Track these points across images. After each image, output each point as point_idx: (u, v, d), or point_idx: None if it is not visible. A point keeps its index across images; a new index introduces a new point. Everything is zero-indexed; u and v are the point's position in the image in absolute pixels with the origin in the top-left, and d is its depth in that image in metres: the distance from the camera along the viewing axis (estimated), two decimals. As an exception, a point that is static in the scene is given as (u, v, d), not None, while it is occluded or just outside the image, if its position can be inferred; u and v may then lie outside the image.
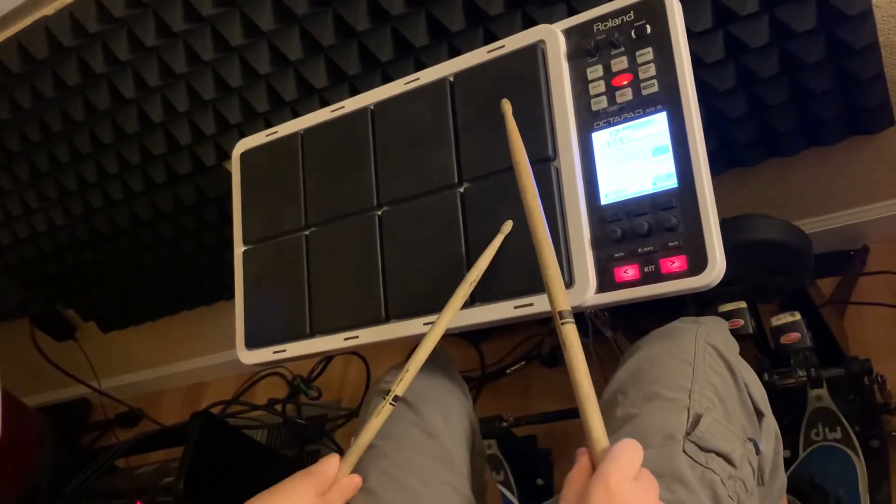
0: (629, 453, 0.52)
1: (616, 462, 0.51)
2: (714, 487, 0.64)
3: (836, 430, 1.08)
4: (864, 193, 1.26)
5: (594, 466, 0.54)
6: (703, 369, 0.72)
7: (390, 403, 0.70)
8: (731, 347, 0.78)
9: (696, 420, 0.67)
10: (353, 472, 0.72)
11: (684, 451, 0.65)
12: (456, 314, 0.74)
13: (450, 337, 1.18)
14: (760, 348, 1.17)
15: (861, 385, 1.08)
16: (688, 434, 0.66)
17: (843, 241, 1.32)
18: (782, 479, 0.80)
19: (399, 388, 0.71)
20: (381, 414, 0.71)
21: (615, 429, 0.70)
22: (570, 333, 0.60)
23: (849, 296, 1.29)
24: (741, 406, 0.73)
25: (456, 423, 0.84)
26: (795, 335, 1.07)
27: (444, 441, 0.80)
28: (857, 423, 1.08)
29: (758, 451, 0.71)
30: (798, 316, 1.08)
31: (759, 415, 0.75)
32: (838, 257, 1.32)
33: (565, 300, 0.61)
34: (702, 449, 0.65)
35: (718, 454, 0.66)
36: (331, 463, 0.69)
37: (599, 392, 0.76)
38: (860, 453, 1.05)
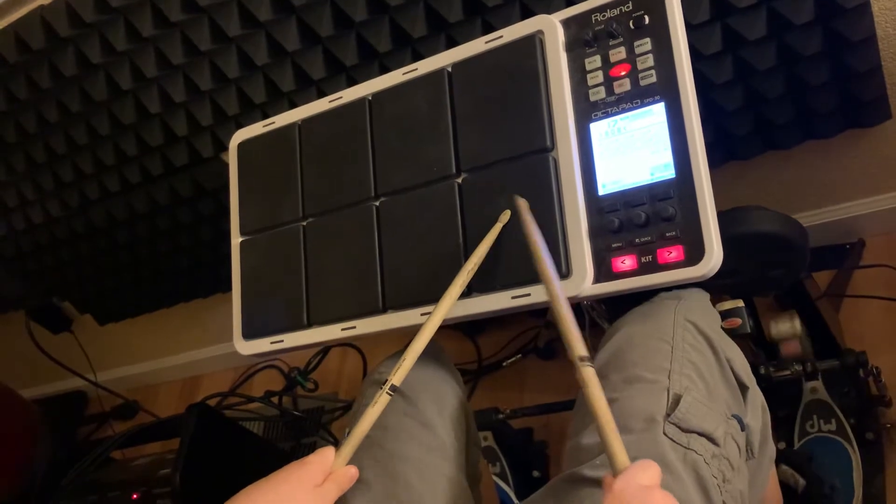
0: (640, 467, 0.53)
1: (626, 475, 0.53)
2: (697, 468, 0.64)
3: (832, 422, 1.08)
4: (860, 187, 1.27)
5: None
6: (683, 347, 0.71)
7: (387, 393, 0.70)
8: (712, 322, 0.78)
9: (676, 401, 0.66)
10: (349, 463, 0.72)
11: (665, 434, 0.64)
12: (454, 303, 0.74)
13: (446, 329, 1.17)
14: (755, 341, 1.17)
15: (856, 377, 1.08)
16: (668, 416, 0.65)
17: (839, 234, 1.32)
18: (771, 448, 0.79)
19: (396, 378, 0.71)
20: (377, 404, 0.70)
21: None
22: (591, 375, 0.59)
23: (844, 289, 1.29)
24: (724, 382, 0.72)
25: (450, 413, 0.84)
26: (795, 344, 1.07)
27: (439, 431, 0.80)
28: (852, 415, 1.09)
29: (743, 428, 0.70)
30: (798, 328, 1.07)
31: (744, 388, 0.75)
32: (834, 251, 1.33)
33: (583, 347, 0.61)
34: (683, 430, 0.65)
35: (700, 434, 0.65)
36: (326, 454, 0.69)
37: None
38: (855, 445, 1.06)
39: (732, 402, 0.72)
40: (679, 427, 0.65)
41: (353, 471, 0.70)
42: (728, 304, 1.06)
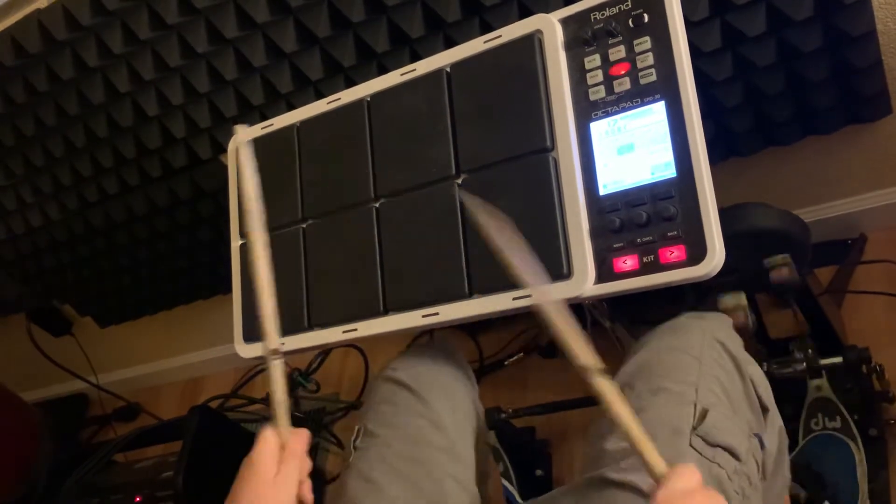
0: (682, 476, 0.53)
1: (669, 489, 0.52)
2: (720, 482, 0.64)
3: (836, 419, 1.08)
4: (861, 182, 1.26)
5: None
6: (710, 364, 0.72)
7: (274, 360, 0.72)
8: (736, 343, 0.78)
9: (703, 415, 0.67)
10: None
11: (691, 446, 0.65)
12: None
13: (448, 327, 1.16)
14: (759, 339, 1.17)
15: (859, 374, 1.08)
16: (694, 428, 0.66)
17: (840, 230, 1.32)
18: (785, 476, 0.79)
19: (271, 342, 0.72)
20: (274, 370, 0.72)
21: None
22: (609, 388, 0.59)
23: (846, 285, 1.29)
24: (746, 401, 0.73)
25: (462, 413, 0.84)
26: (784, 270, 1.05)
27: (451, 432, 0.80)
28: (855, 411, 1.08)
29: (762, 447, 0.70)
30: (789, 259, 1.06)
31: (764, 410, 0.75)
32: (836, 246, 1.32)
33: (593, 357, 0.59)
34: (708, 443, 0.65)
35: (725, 449, 0.66)
36: (267, 441, 0.69)
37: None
38: (858, 442, 1.06)
39: (754, 421, 0.72)
40: (705, 440, 0.65)
41: (301, 437, 0.70)
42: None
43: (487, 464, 0.90)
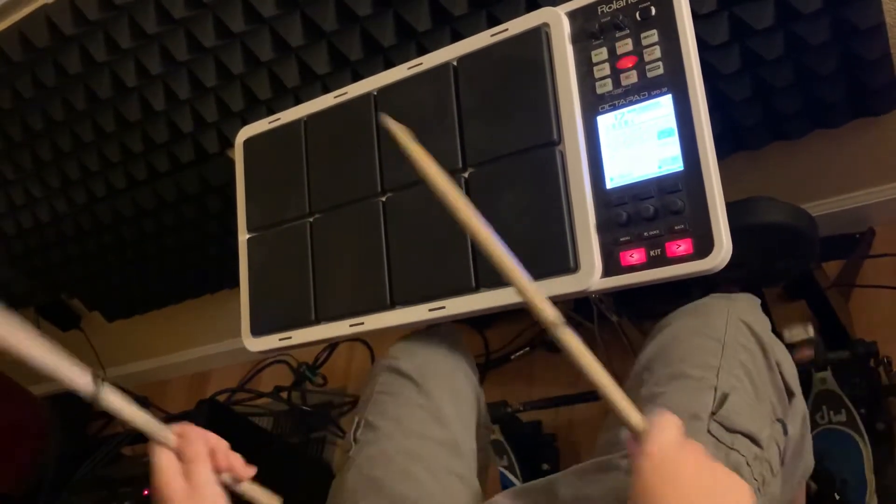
0: (663, 425, 0.52)
1: (654, 436, 0.52)
2: (738, 469, 0.62)
3: (841, 413, 1.08)
4: (869, 176, 1.26)
5: None
6: (734, 346, 0.70)
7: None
8: (764, 325, 0.76)
9: (723, 399, 0.65)
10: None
11: (709, 432, 0.64)
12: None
13: (454, 323, 1.16)
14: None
15: (866, 368, 1.08)
16: (713, 414, 0.65)
17: (848, 223, 1.31)
18: (807, 463, 0.77)
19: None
20: None
21: (639, 408, 0.69)
22: (570, 337, 0.55)
23: (854, 279, 1.29)
24: (772, 385, 0.71)
25: (464, 404, 0.83)
26: (809, 353, 1.05)
27: (452, 426, 0.79)
28: (862, 405, 1.08)
29: (785, 432, 0.69)
30: (812, 332, 1.05)
31: (790, 394, 0.73)
32: (844, 240, 1.32)
33: (551, 307, 0.55)
34: (727, 429, 0.64)
35: (745, 435, 0.64)
36: (159, 457, 0.63)
37: (627, 371, 0.75)
38: (865, 436, 1.05)
39: (779, 406, 0.70)
40: (723, 426, 0.64)
41: (189, 437, 0.64)
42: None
43: (487, 454, 0.90)
